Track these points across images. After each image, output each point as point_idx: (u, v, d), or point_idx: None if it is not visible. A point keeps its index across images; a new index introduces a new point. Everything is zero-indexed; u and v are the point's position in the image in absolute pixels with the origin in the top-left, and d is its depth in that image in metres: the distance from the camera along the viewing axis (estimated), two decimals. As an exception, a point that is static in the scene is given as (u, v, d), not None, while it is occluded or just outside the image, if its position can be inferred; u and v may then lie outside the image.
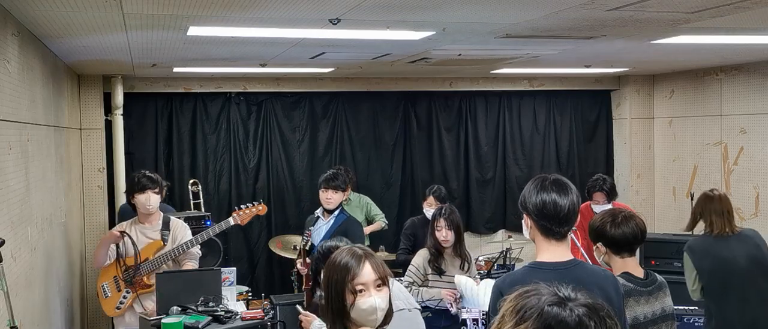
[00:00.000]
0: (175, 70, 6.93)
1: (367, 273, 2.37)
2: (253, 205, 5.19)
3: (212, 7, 3.74)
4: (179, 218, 5.39)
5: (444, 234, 4.78)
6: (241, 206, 5.24)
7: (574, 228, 5.04)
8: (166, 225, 5.06)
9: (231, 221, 5.08)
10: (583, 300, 1.44)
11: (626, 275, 3.24)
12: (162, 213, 5.13)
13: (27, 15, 3.93)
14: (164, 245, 4.96)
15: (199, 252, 5.19)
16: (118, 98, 7.33)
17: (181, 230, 5.09)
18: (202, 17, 4.02)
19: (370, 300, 2.35)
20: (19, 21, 4.07)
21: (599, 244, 3.35)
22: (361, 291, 2.35)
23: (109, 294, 5.00)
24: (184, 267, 5.03)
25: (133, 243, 4.93)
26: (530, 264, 2.76)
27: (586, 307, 1.41)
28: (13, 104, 3.92)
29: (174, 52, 5.47)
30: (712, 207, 4.45)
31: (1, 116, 3.64)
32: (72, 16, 3.96)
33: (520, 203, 2.76)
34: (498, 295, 2.67)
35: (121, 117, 7.42)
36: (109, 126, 7.40)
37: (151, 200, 4.95)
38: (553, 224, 2.64)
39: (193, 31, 4.46)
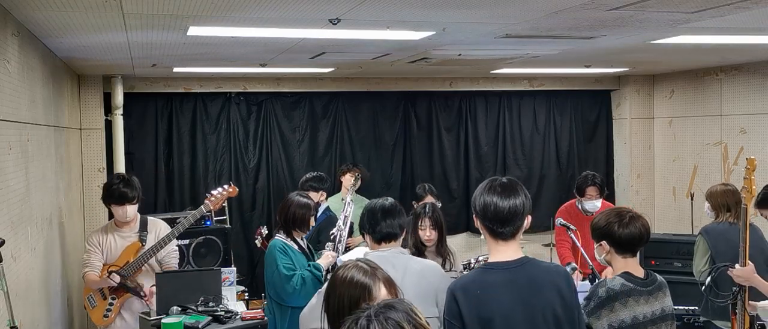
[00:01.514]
0: (175, 70, 6.93)
1: (383, 294, 2.36)
2: (224, 189, 5.13)
3: (212, 7, 3.73)
4: (179, 218, 5.37)
5: (428, 233, 4.75)
6: (213, 192, 5.15)
7: (574, 228, 5.06)
8: (143, 226, 5.00)
9: (203, 209, 5.01)
10: (393, 302, 1.73)
11: (626, 275, 3.25)
12: (139, 215, 5.06)
13: (27, 15, 3.93)
14: (143, 245, 4.91)
15: (176, 247, 5.15)
16: (118, 98, 7.33)
17: (162, 228, 5.04)
18: (202, 17, 4.02)
19: None
20: (19, 21, 4.07)
21: (603, 242, 3.34)
22: None
23: (95, 304, 4.97)
24: (167, 267, 5.00)
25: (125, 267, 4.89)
26: (482, 265, 2.83)
27: (405, 313, 1.69)
28: (13, 104, 3.92)
29: (174, 52, 5.47)
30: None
31: (1, 116, 3.63)
32: (72, 16, 3.96)
33: (471, 204, 2.84)
34: (452, 298, 2.69)
35: (121, 117, 7.42)
36: (109, 126, 7.39)
37: (127, 212, 4.90)
38: (495, 226, 2.76)
39: (193, 31, 4.45)
